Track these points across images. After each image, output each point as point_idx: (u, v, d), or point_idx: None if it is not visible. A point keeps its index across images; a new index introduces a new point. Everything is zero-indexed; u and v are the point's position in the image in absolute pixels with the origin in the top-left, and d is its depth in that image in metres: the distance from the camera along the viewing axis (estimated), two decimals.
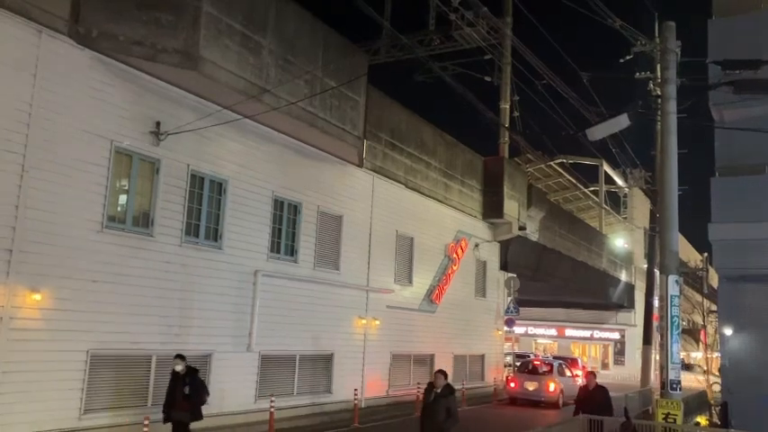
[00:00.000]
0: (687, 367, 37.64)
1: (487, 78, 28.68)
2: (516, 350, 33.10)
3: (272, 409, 13.75)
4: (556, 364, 24.48)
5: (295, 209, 16.19)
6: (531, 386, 22.71)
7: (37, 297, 10.48)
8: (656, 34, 16.48)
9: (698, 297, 39.16)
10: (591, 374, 13.04)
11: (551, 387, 22.53)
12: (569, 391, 21.88)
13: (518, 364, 27.26)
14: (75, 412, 11.01)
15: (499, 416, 19.68)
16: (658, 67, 14.74)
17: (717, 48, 15.36)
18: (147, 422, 10.98)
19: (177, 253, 12.99)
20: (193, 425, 10.73)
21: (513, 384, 23.26)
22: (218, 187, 14.09)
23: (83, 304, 11.19)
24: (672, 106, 12.14)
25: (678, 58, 12.54)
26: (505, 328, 26.98)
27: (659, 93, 13.04)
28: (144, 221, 12.51)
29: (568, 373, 25.03)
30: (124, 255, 11.95)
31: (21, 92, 10.45)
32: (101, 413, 11.39)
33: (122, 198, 12.31)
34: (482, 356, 25.32)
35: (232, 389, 13.99)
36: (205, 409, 13.11)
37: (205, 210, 13.76)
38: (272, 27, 13.60)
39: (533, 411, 20.90)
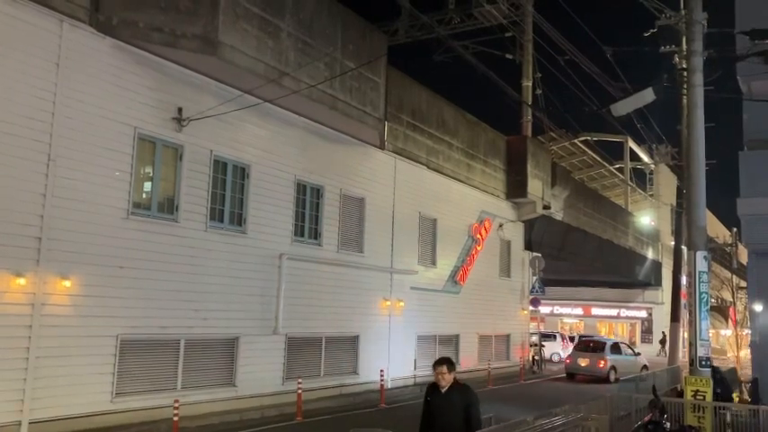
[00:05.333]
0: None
1: (509, 56, 28.34)
2: (542, 330, 33.04)
3: (300, 391, 13.89)
4: (609, 342, 26.30)
5: (318, 192, 16.23)
6: (583, 362, 25.00)
7: (67, 284, 10.68)
8: (682, 5, 16.11)
9: (727, 273, 38.65)
10: (446, 365, 6.32)
11: (601, 363, 24.53)
12: (621, 368, 24.40)
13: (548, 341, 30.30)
14: (106, 396, 11.24)
15: (545, 389, 19.68)
16: (684, 39, 14.45)
17: (745, 17, 14.95)
18: (177, 405, 11.15)
19: (202, 238, 13.11)
20: (218, 407, 10.77)
21: (568, 361, 26.06)
22: (241, 172, 14.16)
23: (111, 290, 11.37)
24: (698, 79, 11.89)
25: (705, 30, 12.26)
26: (531, 308, 26.94)
27: (685, 66, 12.79)
28: (169, 207, 12.64)
29: (626, 351, 26.67)
30: (150, 241, 12.10)
31: (45, 81, 10.56)
32: (131, 397, 11.60)
33: (147, 185, 12.44)
34: (507, 336, 25.30)
35: (260, 371, 14.15)
36: (233, 393, 13.39)
37: (229, 195, 13.86)
38: (290, 10, 13.55)
39: (578, 386, 21.41)
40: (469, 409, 6.14)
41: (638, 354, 27.86)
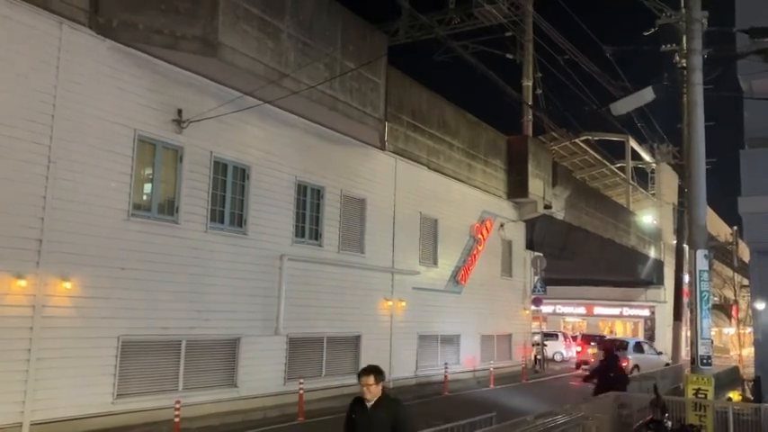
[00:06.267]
0: None
1: (509, 56, 28.34)
2: (544, 329, 33.06)
3: (301, 391, 13.89)
4: (632, 342, 27.27)
5: (318, 193, 16.23)
6: None
7: (67, 285, 10.69)
8: (682, 4, 16.12)
9: (729, 272, 38.57)
10: (373, 375, 5.57)
11: (625, 362, 24.97)
12: (644, 367, 24.22)
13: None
14: (108, 397, 11.25)
15: (547, 389, 19.68)
16: (684, 38, 14.44)
17: (745, 15, 14.93)
18: (178, 406, 11.16)
19: (203, 239, 13.12)
20: (219, 408, 10.81)
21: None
22: (242, 173, 14.17)
23: (112, 291, 11.38)
24: (698, 78, 11.88)
25: (704, 28, 12.25)
26: (533, 308, 26.93)
27: (685, 64, 12.78)
28: (169, 209, 12.64)
29: (648, 350, 27.53)
30: (151, 242, 12.11)
31: (44, 84, 10.58)
32: (133, 398, 11.61)
33: (147, 186, 12.45)
34: (509, 336, 25.28)
35: (261, 372, 14.16)
36: (234, 393, 13.40)
37: (229, 196, 13.86)
38: (289, 11, 13.56)
39: (580, 385, 21.45)
40: (398, 425, 5.30)
41: (660, 353, 28.10)
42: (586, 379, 13.55)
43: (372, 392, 5.39)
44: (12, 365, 9.97)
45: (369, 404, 5.41)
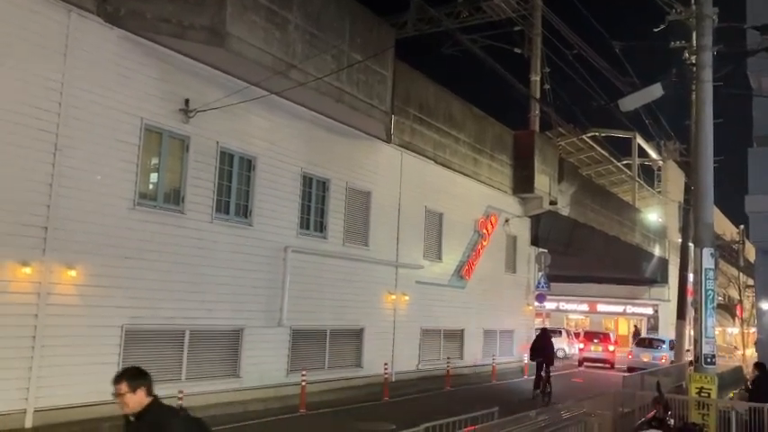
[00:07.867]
0: None
1: (518, 50, 28.22)
2: (547, 325, 33.06)
3: (304, 384, 13.90)
4: (667, 340, 29.38)
5: (323, 185, 16.21)
6: (645, 358, 28.22)
7: (72, 273, 10.71)
8: (693, 0, 16.01)
9: (734, 271, 38.41)
10: (126, 382, 4.05)
11: (663, 359, 27.68)
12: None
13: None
14: (110, 386, 11.23)
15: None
16: (694, 34, 14.34)
17: (756, 12, 14.83)
18: (181, 396, 11.19)
19: (208, 229, 13.12)
20: (222, 399, 10.84)
21: (629, 356, 29.39)
22: (248, 164, 14.16)
23: (117, 280, 11.40)
24: (707, 74, 11.80)
25: (715, 24, 12.17)
26: (536, 304, 26.89)
27: (694, 61, 12.70)
28: (175, 198, 12.65)
29: None
30: (156, 231, 12.12)
31: (52, 72, 10.56)
32: None
33: (153, 176, 12.45)
34: (512, 332, 25.26)
35: (264, 363, 14.18)
36: (237, 384, 13.43)
37: (235, 186, 13.86)
38: (297, 2, 13.50)
39: (581, 382, 21.68)
40: None
41: (689, 350, 28.51)
42: (530, 354, 18.84)
43: (130, 403, 3.94)
44: (16, 352, 10.00)
45: (131, 419, 4.00)
